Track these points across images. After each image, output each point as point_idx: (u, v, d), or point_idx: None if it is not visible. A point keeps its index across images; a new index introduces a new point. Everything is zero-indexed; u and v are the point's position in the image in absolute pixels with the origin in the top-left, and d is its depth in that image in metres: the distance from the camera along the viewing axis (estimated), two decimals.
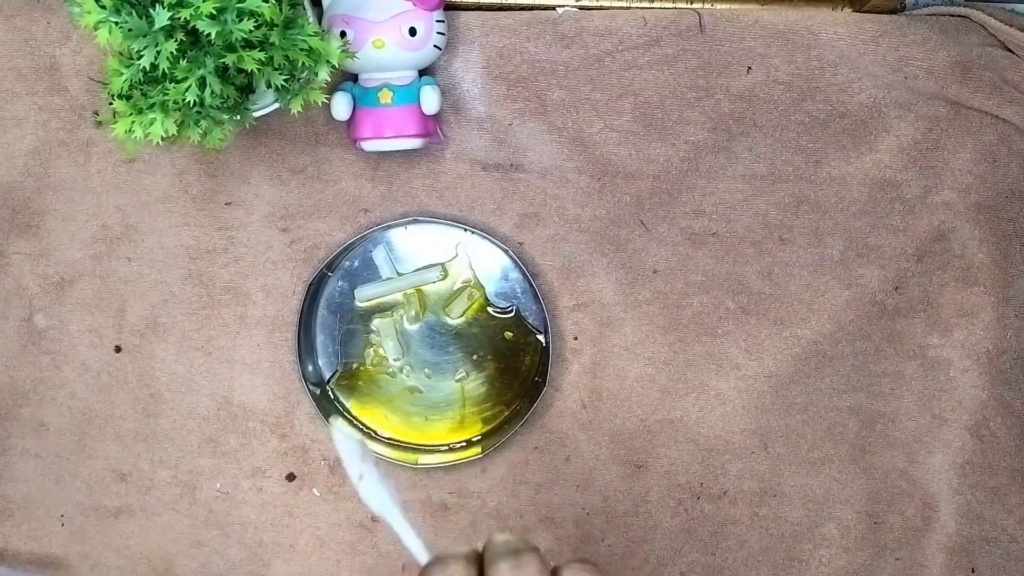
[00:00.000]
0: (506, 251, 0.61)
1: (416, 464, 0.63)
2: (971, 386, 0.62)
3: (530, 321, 0.63)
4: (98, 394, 0.64)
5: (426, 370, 0.64)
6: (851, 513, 0.63)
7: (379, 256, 0.63)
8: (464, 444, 0.64)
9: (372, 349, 0.64)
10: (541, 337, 0.63)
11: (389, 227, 0.62)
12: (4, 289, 0.64)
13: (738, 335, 0.62)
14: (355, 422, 0.65)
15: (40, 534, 0.65)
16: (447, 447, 0.64)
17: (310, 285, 0.61)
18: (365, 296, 0.63)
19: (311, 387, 0.63)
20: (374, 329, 0.64)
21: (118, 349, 0.64)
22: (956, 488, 0.62)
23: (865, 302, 0.62)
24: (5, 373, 0.64)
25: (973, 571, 0.63)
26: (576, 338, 0.63)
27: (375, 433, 0.64)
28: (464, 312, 0.63)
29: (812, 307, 0.62)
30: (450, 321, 0.64)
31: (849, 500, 0.63)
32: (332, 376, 0.64)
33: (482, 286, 0.63)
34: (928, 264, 0.61)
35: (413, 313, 0.63)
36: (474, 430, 0.64)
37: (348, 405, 0.65)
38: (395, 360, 0.64)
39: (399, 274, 0.63)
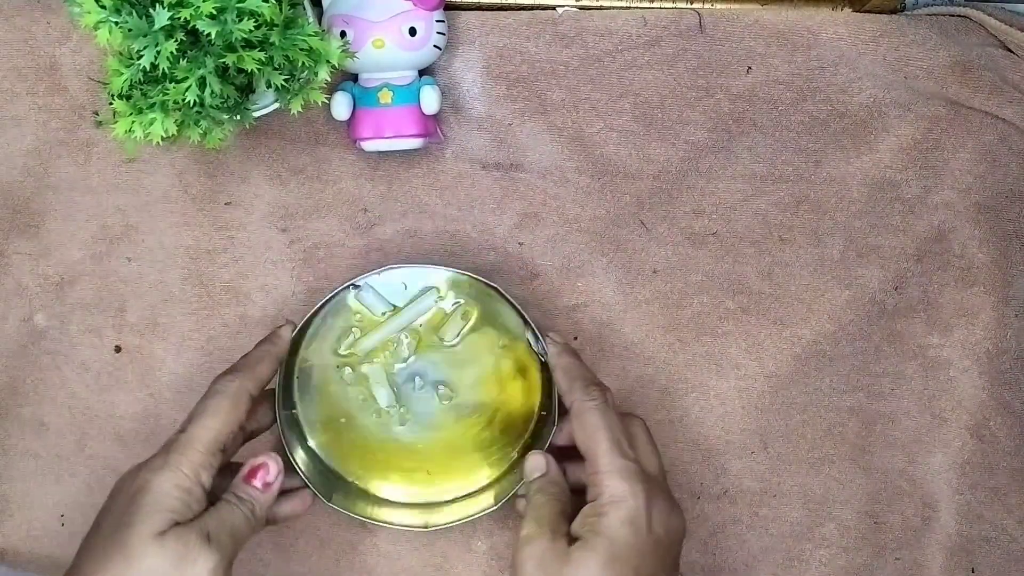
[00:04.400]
0: (492, 286, 0.56)
1: (427, 527, 0.58)
2: (971, 386, 0.62)
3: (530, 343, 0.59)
4: (98, 394, 0.64)
5: (420, 417, 0.60)
6: (851, 513, 0.63)
7: (367, 297, 0.58)
8: (475, 491, 0.59)
9: (363, 400, 0.60)
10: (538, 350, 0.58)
11: (357, 281, 0.57)
12: (4, 289, 0.64)
13: (738, 335, 0.62)
14: (357, 484, 0.60)
15: (40, 534, 0.65)
16: (454, 499, 0.59)
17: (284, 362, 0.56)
18: (366, 348, 0.59)
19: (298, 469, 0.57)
20: (365, 374, 0.59)
21: (118, 349, 0.64)
22: (956, 488, 0.62)
23: (865, 302, 0.62)
24: (5, 373, 0.64)
25: (973, 571, 0.63)
26: (576, 338, 0.63)
27: (379, 497, 0.60)
28: (459, 334, 0.59)
29: (812, 307, 0.62)
30: (445, 344, 0.59)
31: (849, 500, 0.63)
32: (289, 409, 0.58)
33: (476, 304, 0.59)
34: (928, 264, 0.61)
35: (405, 354, 0.59)
36: (483, 475, 0.60)
37: (345, 471, 0.60)
38: (388, 408, 0.59)
39: (394, 307, 0.59)
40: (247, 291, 0.63)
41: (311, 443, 0.60)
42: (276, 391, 0.56)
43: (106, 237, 0.63)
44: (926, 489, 0.63)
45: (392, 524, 0.58)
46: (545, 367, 0.57)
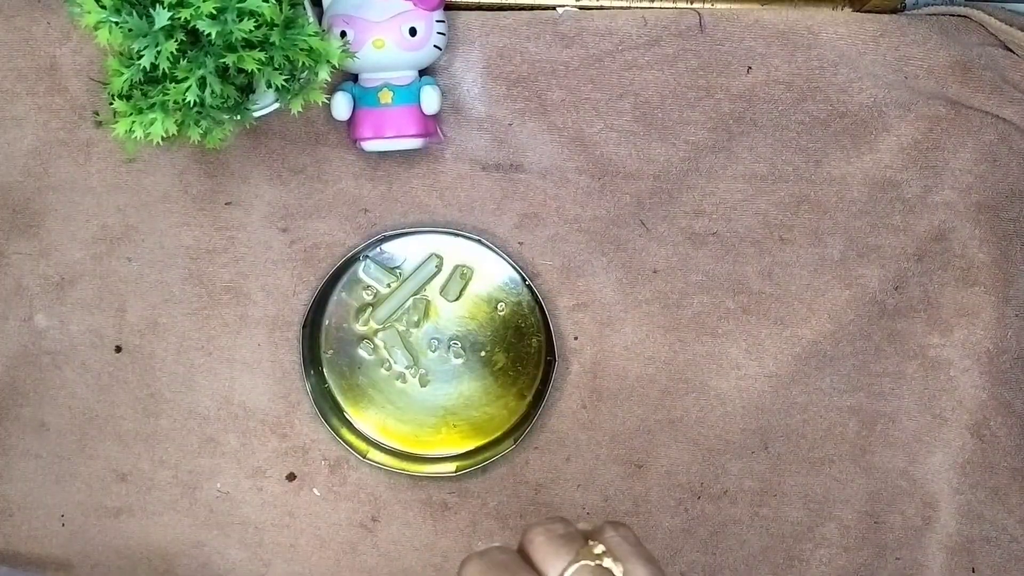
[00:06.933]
0: (480, 241, 0.61)
1: (456, 472, 0.63)
2: (971, 386, 0.62)
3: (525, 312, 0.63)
4: (98, 394, 0.64)
5: (440, 376, 0.64)
6: (851, 513, 0.63)
7: (369, 273, 0.63)
8: (497, 438, 0.65)
9: (382, 366, 0.64)
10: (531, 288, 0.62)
11: (361, 248, 0.62)
12: (4, 289, 0.64)
13: (738, 335, 0.62)
14: (360, 431, 0.65)
15: (40, 534, 0.65)
16: (478, 448, 0.65)
17: (303, 329, 0.62)
18: (380, 318, 0.64)
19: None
20: (380, 343, 0.64)
21: (118, 349, 0.64)
22: (956, 488, 0.62)
23: (865, 302, 0.62)
24: (5, 373, 0.64)
25: (973, 571, 0.63)
26: (576, 338, 0.63)
27: (381, 444, 0.65)
28: (461, 292, 0.63)
29: (812, 307, 0.62)
30: (451, 304, 0.63)
31: (849, 500, 0.63)
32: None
33: (471, 268, 0.63)
34: (928, 264, 0.62)
35: (416, 318, 0.63)
36: (502, 422, 0.65)
37: (357, 419, 0.65)
38: (407, 369, 0.64)
39: (396, 277, 0.63)
40: (247, 291, 0.63)
41: (346, 412, 0.65)
42: (305, 367, 0.63)
43: (106, 237, 0.63)
44: (926, 489, 0.63)
45: (425, 473, 0.63)
46: (542, 310, 0.62)
